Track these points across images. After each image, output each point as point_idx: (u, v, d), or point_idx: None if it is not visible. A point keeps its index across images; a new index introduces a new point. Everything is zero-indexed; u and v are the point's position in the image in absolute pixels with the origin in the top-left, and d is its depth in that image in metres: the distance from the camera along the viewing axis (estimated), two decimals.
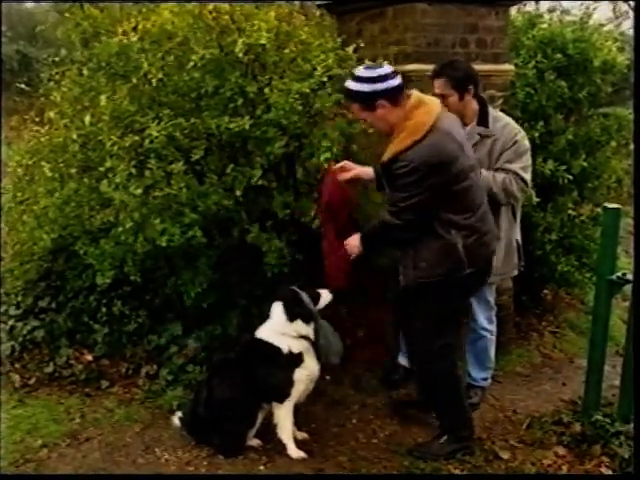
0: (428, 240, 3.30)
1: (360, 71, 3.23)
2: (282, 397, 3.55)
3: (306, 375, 3.59)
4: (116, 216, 3.81)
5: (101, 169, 3.74)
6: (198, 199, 3.74)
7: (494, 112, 3.93)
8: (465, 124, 3.78)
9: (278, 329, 3.59)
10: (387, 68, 3.22)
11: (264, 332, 3.64)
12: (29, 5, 19.52)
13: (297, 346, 3.57)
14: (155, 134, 3.58)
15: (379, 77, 3.16)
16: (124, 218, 3.67)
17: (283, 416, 3.57)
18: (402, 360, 4.32)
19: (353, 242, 3.55)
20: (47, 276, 4.75)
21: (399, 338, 4.27)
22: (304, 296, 3.61)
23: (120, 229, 3.72)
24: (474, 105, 3.87)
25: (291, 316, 3.57)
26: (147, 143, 3.63)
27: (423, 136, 3.13)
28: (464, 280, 3.39)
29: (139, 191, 3.57)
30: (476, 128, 3.85)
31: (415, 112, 3.19)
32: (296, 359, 3.55)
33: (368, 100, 3.18)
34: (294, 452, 3.56)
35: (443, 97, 3.68)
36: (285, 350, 3.54)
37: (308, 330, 3.58)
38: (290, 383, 3.54)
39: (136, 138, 3.66)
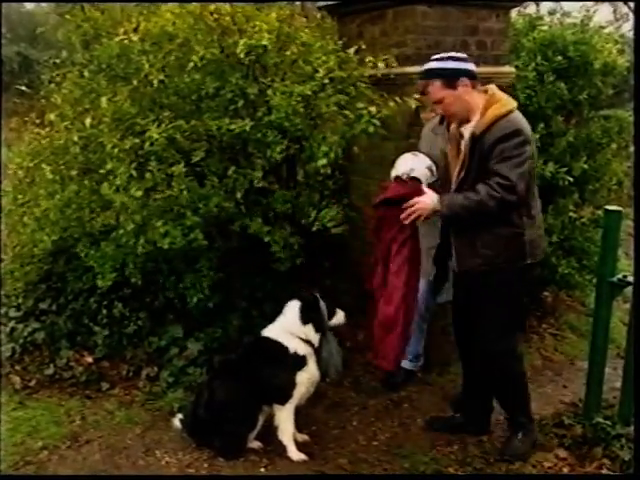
0: (496, 226, 3.27)
1: (442, 54, 3.39)
2: (284, 399, 3.55)
3: (307, 378, 3.58)
4: (117, 218, 3.82)
5: (102, 171, 3.74)
6: (199, 201, 3.74)
7: None
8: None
9: (288, 328, 3.60)
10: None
11: (273, 330, 3.64)
12: (29, 6, 19.53)
13: (302, 349, 3.57)
14: (155, 136, 3.58)
15: (462, 58, 3.36)
16: (125, 220, 3.67)
17: (284, 418, 3.57)
18: (403, 362, 4.30)
19: (427, 201, 3.32)
20: (47, 278, 4.76)
21: None
22: (322, 304, 3.63)
23: (121, 231, 3.72)
24: None
25: (305, 319, 3.58)
26: (147, 145, 3.63)
27: (514, 109, 3.25)
28: (522, 271, 3.39)
29: (139, 193, 3.57)
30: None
31: (499, 94, 3.33)
32: (300, 361, 3.56)
33: (452, 76, 3.26)
34: (295, 454, 3.56)
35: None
36: (291, 350, 3.55)
37: (316, 338, 3.60)
38: (292, 385, 3.54)
39: (136, 140, 3.66)
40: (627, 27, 11.31)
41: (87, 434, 3.81)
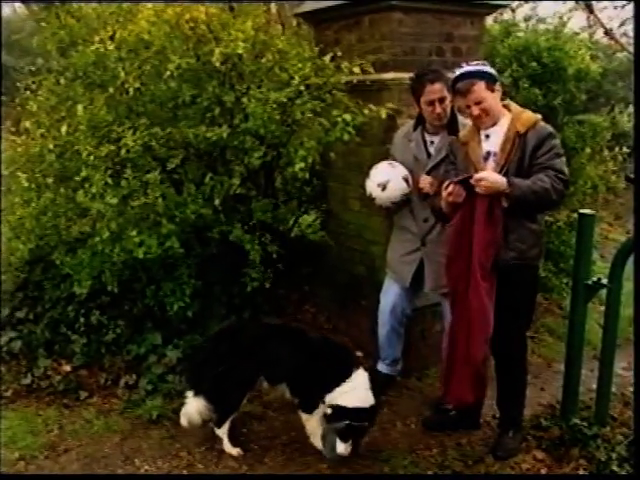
0: (529, 222, 3.40)
1: (475, 61, 3.56)
2: (310, 408, 3.60)
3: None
4: (93, 226, 3.80)
5: (77, 179, 3.73)
6: (176, 209, 3.74)
7: (463, 120, 3.92)
8: (442, 129, 3.83)
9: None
10: None
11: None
12: (5, 13, 19.38)
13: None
14: (131, 144, 3.58)
15: (493, 67, 3.52)
16: (101, 228, 3.67)
17: (313, 426, 3.64)
18: (381, 367, 4.32)
19: (497, 178, 3.25)
20: (24, 287, 4.72)
21: (378, 344, 4.28)
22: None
23: (97, 239, 3.70)
24: None
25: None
26: (123, 153, 3.63)
27: None
28: (537, 270, 3.58)
29: (115, 201, 3.57)
30: (447, 137, 3.83)
31: (520, 107, 3.50)
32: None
33: (493, 81, 3.42)
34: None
35: (440, 101, 3.75)
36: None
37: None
38: (317, 403, 3.58)
39: (112, 148, 3.66)
40: (600, 33, 11.51)
41: (65, 443, 3.78)
